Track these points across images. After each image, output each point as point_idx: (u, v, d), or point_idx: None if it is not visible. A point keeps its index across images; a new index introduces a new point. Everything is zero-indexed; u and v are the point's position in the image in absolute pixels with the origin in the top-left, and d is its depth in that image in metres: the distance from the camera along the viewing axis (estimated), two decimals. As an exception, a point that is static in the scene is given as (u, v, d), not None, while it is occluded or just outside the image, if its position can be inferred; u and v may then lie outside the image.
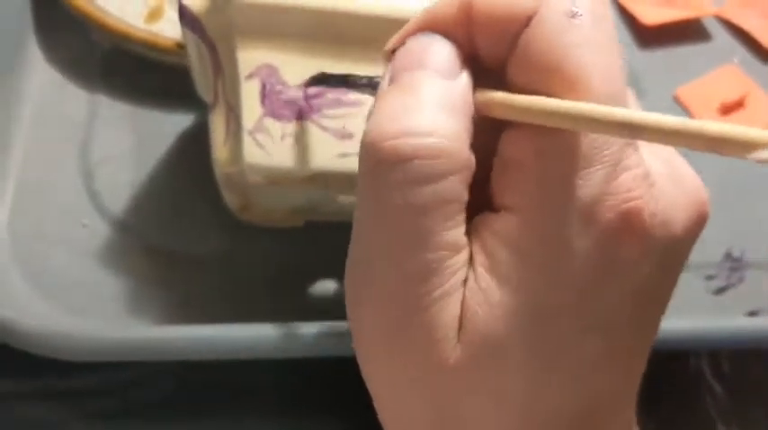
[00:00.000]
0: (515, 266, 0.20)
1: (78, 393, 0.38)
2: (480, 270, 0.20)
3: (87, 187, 0.42)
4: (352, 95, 0.34)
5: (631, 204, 0.19)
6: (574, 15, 0.20)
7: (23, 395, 0.38)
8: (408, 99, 0.20)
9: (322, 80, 0.32)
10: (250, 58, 0.33)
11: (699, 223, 0.22)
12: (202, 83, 0.38)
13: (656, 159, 0.21)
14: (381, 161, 0.20)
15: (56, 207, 0.41)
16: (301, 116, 0.33)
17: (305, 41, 0.33)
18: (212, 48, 0.34)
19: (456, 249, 0.20)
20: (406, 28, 0.22)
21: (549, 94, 0.19)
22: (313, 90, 0.33)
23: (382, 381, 0.22)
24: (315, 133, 0.33)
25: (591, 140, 0.19)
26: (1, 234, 0.40)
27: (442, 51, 0.21)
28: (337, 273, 0.40)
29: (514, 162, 0.20)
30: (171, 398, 0.39)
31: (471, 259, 0.21)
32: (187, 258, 0.40)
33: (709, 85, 0.51)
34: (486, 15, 0.21)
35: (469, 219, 0.21)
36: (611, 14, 0.21)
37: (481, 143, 0.21)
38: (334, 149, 0.33)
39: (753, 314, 0.43)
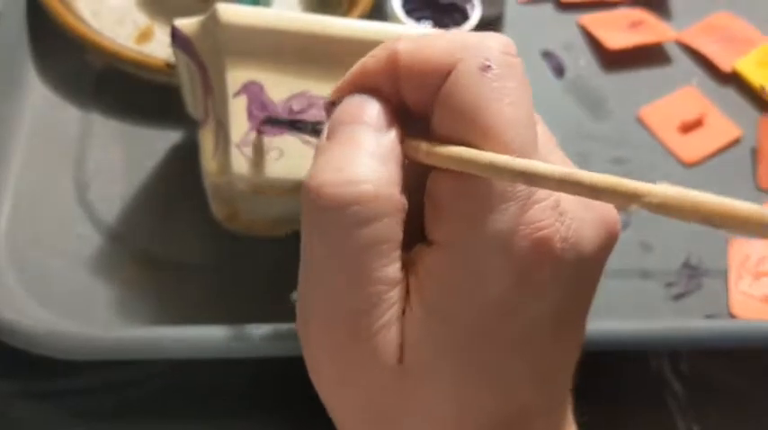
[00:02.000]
0: (442, 297, 0.22)
1: (65, 393, 0.40)
2: (415, 302, 0.22)
3: (81, 199, 0.44)
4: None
5: (541, 233, 0.21)
6: (485, 69, 0.22)
7: (11, 395, 0.40)
8: (346, 150, 0.22)
9: (272, 122, 0.34)
10: (238, 76, 0.35)
11: (609, 242, 0.24)
12: (192, 100, 0.40)
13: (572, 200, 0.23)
14: (322, 206, 0.22)
15: (51, 218, 0.43)
16: (285, 131, 0.35)
17: (289, 62, 0.36)
18: (202, 67, 0.37)
19: (392, 284, 0.22)
20: (344, 80, 0.25)
21: (466, 143, 0.22)
22: (296, 106, 0.36)
23: (329, 395, 0.24)
24: (297, 146, 0.35)
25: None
26: (-2, 244, 0.42)
27: (373, 108, 0.23)
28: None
29: (438, 201, 0.22)
30: (159, 398, 0.40)
31: (408, 291, 0.23)
32: (176, 266, 0.42)
33: (670, 106, 0.55)
34: (410, 69, 0.23)
35: (409, 251, 0.23)
36: (520, 63, 0.23)
37: (415, 183, 0.23)
38: (315, 161, 0.36)
39: (710, 318, 0.45)
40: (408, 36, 0.23)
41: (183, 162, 0.45)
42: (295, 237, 0.42)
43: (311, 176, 0.22)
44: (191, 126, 0.42)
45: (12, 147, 0.45)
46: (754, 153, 0.53)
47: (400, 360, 0.22)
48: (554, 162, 0.23)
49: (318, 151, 0.23)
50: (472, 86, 0.22)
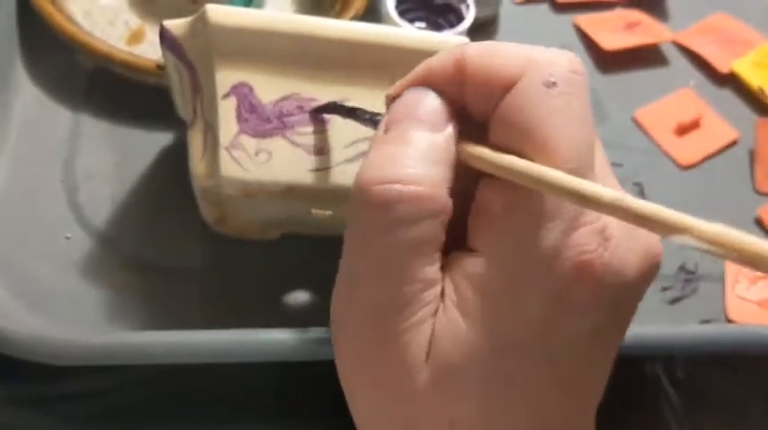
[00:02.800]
0: (480, 305, 0.22)
1: (54, 399, 0.39)
2: (450, 304, 0.23)
3: (70, 201, 0.44)
4: (323, 114, 0.36)
5: (585, 257, 0.22)
6: (550, 85, 0.22)
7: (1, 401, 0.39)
8: (398, 149, 0.23)
9: (332, 109, 0.34)
10: (227, 78, 0.35)
11: (651, 272, 0.24)
12: (181, 102, 0.40)
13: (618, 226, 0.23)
14: (369, 203, 0.22)
15: (39, 220, 0.43)
16: (274, 133, 0.35)
17: (279, 63, 0.35)
18: (191, 68, 0.36)
19: (430, 284, 0.22)
20: (407, 78, 0.25)
21: (521, 154, 0.22)
22: (285, 109, 0.35)
23: (358, 396, 0.24)
24: (287, 149, 0.35)
25: (553, 198, 0.22)
26: (-15, 246, 0.41)
27: (431, 105, 0.24)
28: (309, 284, 0.42)
29: (487, 211, 0.22)
30: (148, 404, 0.40)
31: (443, 292, 0.23)
32: (165, 270, 0.42)
33: (666, 108, 0.54)
34: (477, 77, 0.23)
35: (447, 254, 0.23)
36: (585, 82, 0.23)
37: (462, 186, 0.23)
38: (304, 164, 0.35)
39: (705, 322, 0.45)
40: (479, 43, 0.24)
41: (174, 164, 0.44)
42: (286, 241, 0.42)
43: (361, 171, 0.23)
44: (181, 128, 0.42)
45: (0, 148, 0.45)
46: (752, 155, 0.53)
47: (427, 358, 0.22)
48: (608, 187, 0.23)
49: (373, 145, 0.24)
50: (535, 101, 0.22)
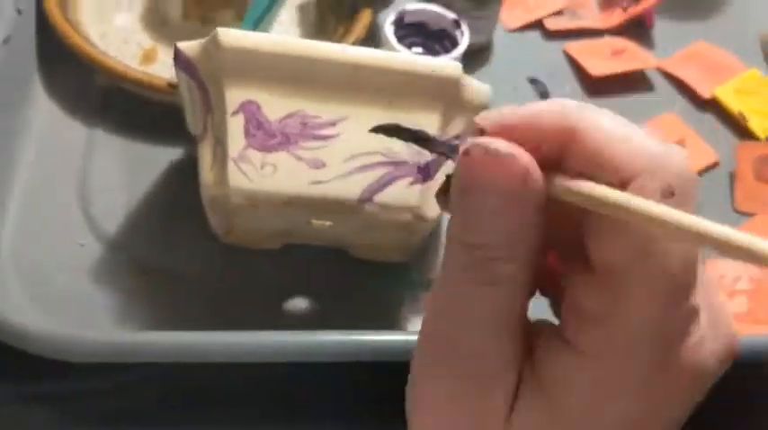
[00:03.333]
0: (574, 409, 0.21)
1: (65, 397, 0.41)
2: (539, 389, 0.21)
3: (84, 211, 0.46)
4: (326, 131, 0.38)
5: (696, 359, 0.21)
6: (668, 196, 0.20)
7: (9, 397, 0.41)
8: (480, 210, 0.21)
9: (393, 131, 0.33)
10: (236, 96, 0.38)
11: (728, 360, 0.23)
12: (191, 118, 0.42)
13: (704, 312, 0.22)
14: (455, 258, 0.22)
15: (55, 228, 0.45)
16: (279, 147, 0.38)
17: (285, 83, 0.38)
18: (203, 87, 0.39)
19: (508, 363, 0.22)
20: (505, 117, 0.22)
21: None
22: (290, 125, 0.38)
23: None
24: (290, 162, 0.38)
25: (665, 307, 0.20)
26: (4, 252, 0.44)
27: (519, 176, 0.20)
28: (308, 291, 0.45)
29: (589, 315, 0.21)
30: (157, 404, 0.42)
31: (534, 370, 0.22)
32: (174, 276, 0.44)
33: (651, 131, 0.57)
34: (585, 158, 0.20)
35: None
36: (697, 184, 0.21)
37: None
38: (307, 177, 0.38)
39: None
40: (595, 114, 0.21)
41: (184, 177, 0.47)
42: (288, 250, 0.44)
43: (449, 228, 0.22)
44: (191, 143, 0.44)
45: (18, 161, 0.47)
46: (732, 177, 0.55)
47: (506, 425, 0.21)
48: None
49: (454, 203, 0.21)
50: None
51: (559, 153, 0.21)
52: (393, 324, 0.45)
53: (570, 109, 0.21)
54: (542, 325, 0.22)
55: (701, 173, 0.55)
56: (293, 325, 0.44)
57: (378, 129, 0.30)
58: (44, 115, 0.50)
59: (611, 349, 0.20)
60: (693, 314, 0.21)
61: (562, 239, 0.23)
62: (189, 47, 0.39)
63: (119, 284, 0.44)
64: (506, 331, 0.21)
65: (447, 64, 0.39)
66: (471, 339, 0.21)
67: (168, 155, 0.49)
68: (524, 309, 0.22)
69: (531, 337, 0.22)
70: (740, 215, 0.53)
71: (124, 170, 0.48)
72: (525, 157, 0.20)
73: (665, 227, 0.19)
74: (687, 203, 0.20)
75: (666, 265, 0.20)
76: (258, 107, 0.38)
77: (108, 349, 0.37)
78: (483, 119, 0.22)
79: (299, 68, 0.38)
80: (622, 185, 0.20)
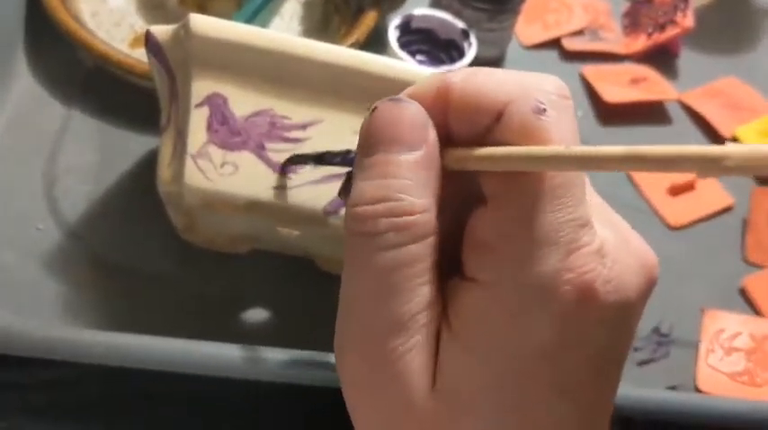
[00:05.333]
0: (482, 337, 0.22)
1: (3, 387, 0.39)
2: (451, 333, 0.22)
3: (47, 193, 0.44)
4: (295, 133, 0.36)
5: (585, 277, 0.21)
6: (540, 112, 0.21)
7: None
8: (381, 171, 0.22)
9: (297, 160, 0.34)
10: (203, 87, 0.35)
11: (649, 285, 0.23)
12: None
13: (606, 228, 0.23)
14: (360, 232, 0.22)
15: (14, 208, 0.43)
16: (242, 146, 0.35)
17: (256, 78, 0.35)
18: (171, 74, 0.37)
19: (424, 305, 0.22)
20: (400, 96, 0.24)
21: None
22: (257, 124, 0.35)
23: (362, 422, 0.24)
24: (253, 164, 0.35)
25: (548, 224, 0.21)
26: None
27: (408, 121, 0.23)
28: (269, 302, 0.42)
29: (482, 243, 0.22)
30: (93, 402, 0.40)
31: (447, 319, 0.22)
32: (130, 272, 0.42)
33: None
34: (462, 103, 0.22)
35: (448, 276, 0.23)
36: (572, 106, 0.22)
37: (455, 203, 0.23)
38: (269, 181, 0.35)
39: (671, 389, 0.44)
40: (463, 70, 0.23)
41: (154, 169, 0.44)
42: (255, 255, 0.42)
43: (350, 202, 0.23)
44: (166, 133, 0.42)
45: (-12, 134, 0.45)
46: (745, 224, 0.52)
47: (433, 385, 0.22)
48: (592, 205, 0.23)
49: (357, 172, 0.23)
50: (526, 128, 0.21)
51: (444, 119, 0.23)
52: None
53: (437, 75, 0.23)
54: (451, 280, 0.23)
55: (713, 216, 0.52)
56: (246, 335, 0.41)
57: (285, 166, 0.34)
58: (22, 90, 0.48)
59: (508, 271, 0.21)
60: (584, 223, 0.21)
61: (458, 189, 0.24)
62: (160, 31, 0.36)
63: (71, 274, 0.41)
64: (418, 278, 0.22)
65: (426, 71, 0.37)
66: (386, 286, 0.22)
67: (146, 144, 0.47)
68: (437, 255, 0.22)
69: (444, 295, 0.23)
70: (748, 265, 0.50)
71: (95, 154, 0.46)
72: (424, 108, 0.23)
73: (541, 162, 0.20)
74: (563, 121, 0.21)
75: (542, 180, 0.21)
76: (225, 101, 0.35)
77: (38, 344, 0.35)
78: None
79: (273, 65, 0.35)
80: (500, 117, 0.21)
